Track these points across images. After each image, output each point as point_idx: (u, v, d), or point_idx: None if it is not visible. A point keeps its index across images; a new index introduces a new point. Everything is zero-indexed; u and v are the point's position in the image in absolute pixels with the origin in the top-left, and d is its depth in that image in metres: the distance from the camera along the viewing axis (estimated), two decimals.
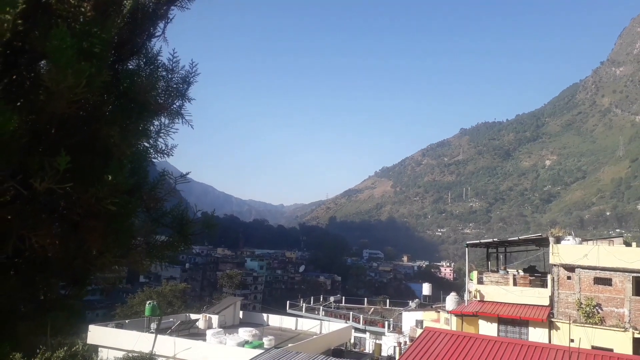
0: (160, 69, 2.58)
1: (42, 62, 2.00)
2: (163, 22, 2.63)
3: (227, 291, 79.70)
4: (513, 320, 24.11)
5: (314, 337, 28.74)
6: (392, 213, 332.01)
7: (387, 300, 61.93)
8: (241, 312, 36.86)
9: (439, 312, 34.08)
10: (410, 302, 53.55)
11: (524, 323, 24.07)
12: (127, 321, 30.98)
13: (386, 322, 42.95)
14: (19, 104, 1.84)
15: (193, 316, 34.77)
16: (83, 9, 2.08)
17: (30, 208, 1.81)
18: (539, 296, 24.50)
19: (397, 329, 41.24)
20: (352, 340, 38.67)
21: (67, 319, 2.25)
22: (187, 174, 2.30)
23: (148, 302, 32.43)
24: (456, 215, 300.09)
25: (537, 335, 23.05)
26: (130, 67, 2.48)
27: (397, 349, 31.57)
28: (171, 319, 32.13)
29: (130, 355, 22.94)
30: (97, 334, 25.52)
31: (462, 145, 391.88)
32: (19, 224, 1.79)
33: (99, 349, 24.51)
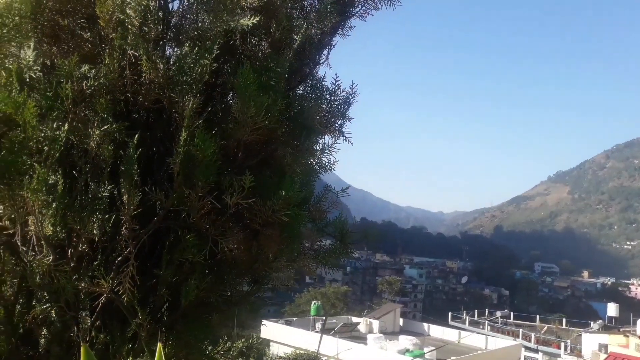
0: (324, 93, 2.84)
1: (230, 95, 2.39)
2: (327, 49, 2.89)
3: (386, 297, 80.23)
4: None
5: (479, 352, 27.34)
6: (570, 223, 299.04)
7: (564, 320, 56.03)
8: (401, 320, 36.76)
9: (628, 336, 29.67)
10: (591, 323, 47.67)
11: None
12: (294, 319, 33.16)
13: (562, 344, 38.83)
14: (213, 132, 2.21)
15: (354, 319, 35.75)
16: (262, 48, 2.42)
17: (221, 219, 2.17)
18: None
19: (575, 351, 36.98)
20: None
21: (249, 313, 2.61)
22: (347, 188, 2.51)
23: (313, 302, 34.39)
24: None
25: None
26: (300, 92, 2.78)
27: None
28: (334, 320, 33.52)
29: (297, 352, 24.52)
30: (269, 329, 27.87)
31: None
32: (214, 231, 2.17)
33: (271, 343, 26.56)
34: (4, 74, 1.95)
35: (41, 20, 2.14)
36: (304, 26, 2.43)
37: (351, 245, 2.53)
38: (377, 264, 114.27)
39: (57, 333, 1.96)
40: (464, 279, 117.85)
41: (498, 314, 55.46)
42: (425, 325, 36.23)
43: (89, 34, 2.21)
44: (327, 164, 2.84)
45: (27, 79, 1.91)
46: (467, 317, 48.87)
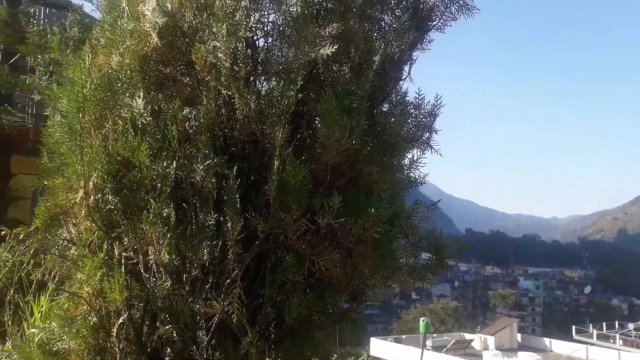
0: (408, 107, 2.87)
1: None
2: (408, 65, 2.93)
3: (500, 311, 75.93)
4: None
5: None
6: None
7: None
8: (519, 335, 34.52)
9: None
10: None
11: None
12: (403, 336, 32.48)
13: None
14: (303, 157, 2.34)
15: (467, 336, 34.22)
16: (342, 72, 2.53)
17: (317, 239, 2.28)
18: None
19: None
20: None
21: (350, 330, 2.68)
22: (438, 202, 2.52)
23: (422, 319, 33.47)
24: None
25: None
26: (383, 110, 2.84)
27: None
28: (445, 337, 32.33)
29: None
30: (378, 346, 27.57)
31: None
32: (310, 251, 2.28)
33: None
34: (121, 123, 2.24)
35: (147, 71, 2.43)
36: (382, 47, 2.50)
37: (447, 259, 2.51)
38: (488, 276, 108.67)
39: (178, 352, 2.17)
40: (587, 289, 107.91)
41: (631, 326, 49.90)
42: (547, 340, 33.66)
43: (188, 78, 2.46)
44: (417, 177, 2.86)
45: (140, 125, 2.18)
46: (595, 331, 44.63)
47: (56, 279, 2.89)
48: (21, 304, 3.86)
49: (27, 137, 8.22)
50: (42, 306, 3.65)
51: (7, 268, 4.28)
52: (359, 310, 2.64)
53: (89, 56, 2.12)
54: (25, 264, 4.14)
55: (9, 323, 3.94)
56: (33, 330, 3.48)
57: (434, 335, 32.65)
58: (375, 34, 2.85)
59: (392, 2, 2.88)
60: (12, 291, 4.12)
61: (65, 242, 2.47)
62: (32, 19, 7.22)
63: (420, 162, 2.49)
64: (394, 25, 2.85)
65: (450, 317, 50.13)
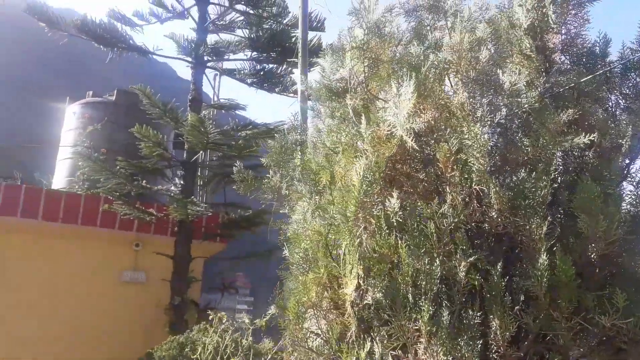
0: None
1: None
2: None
3: None
4: None
5: None
6: None
7: None
8: None
9: None
10: None
11: None
12: None
13: None
14: (554, 249, 2.23)
15: None
16: (586, 157, 2.44)
17: (588, 339, 2.10)
18: None
19: None
20: None
21: None
22: None
23: None
24: None
25: None
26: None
27: None
28: None
29: None
30: None
31: None
32: (579, 352, 2.10)
33: None
34: (373, 220, 2.35)
35: (385, 170, 2.55)
36: (630, 130, 2.38)
37: None
38: None
39: None
40: None
41: None
42: None
43: (423, 174, 2.54)
44: None
45: (394, 223, 2.26)
46: None
47: None
48: None
49: (201, 224, 9.10)
50: None
51: (209, 350, 4.60)
52: None
53: (361, 165, 2.29)
54: (226, 346, 4.43)
55: None
56: None
57: None
58: (601, 115, 2.74)
59: (617, 80, 2.78)
60: None
61: (312, 335, 2.57)
62: (211, 121, 8.24)
63: None
64: (623, 104, 2.74)
65: None
